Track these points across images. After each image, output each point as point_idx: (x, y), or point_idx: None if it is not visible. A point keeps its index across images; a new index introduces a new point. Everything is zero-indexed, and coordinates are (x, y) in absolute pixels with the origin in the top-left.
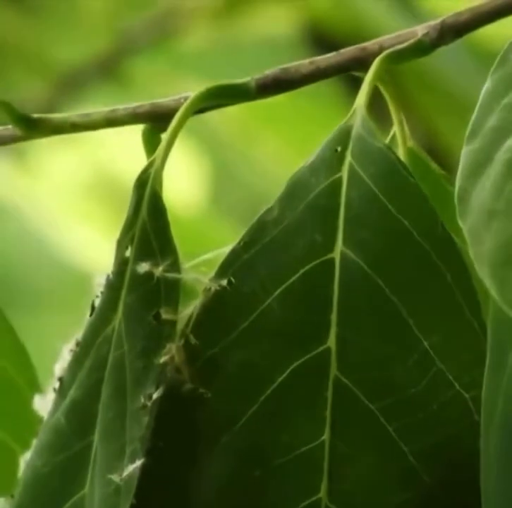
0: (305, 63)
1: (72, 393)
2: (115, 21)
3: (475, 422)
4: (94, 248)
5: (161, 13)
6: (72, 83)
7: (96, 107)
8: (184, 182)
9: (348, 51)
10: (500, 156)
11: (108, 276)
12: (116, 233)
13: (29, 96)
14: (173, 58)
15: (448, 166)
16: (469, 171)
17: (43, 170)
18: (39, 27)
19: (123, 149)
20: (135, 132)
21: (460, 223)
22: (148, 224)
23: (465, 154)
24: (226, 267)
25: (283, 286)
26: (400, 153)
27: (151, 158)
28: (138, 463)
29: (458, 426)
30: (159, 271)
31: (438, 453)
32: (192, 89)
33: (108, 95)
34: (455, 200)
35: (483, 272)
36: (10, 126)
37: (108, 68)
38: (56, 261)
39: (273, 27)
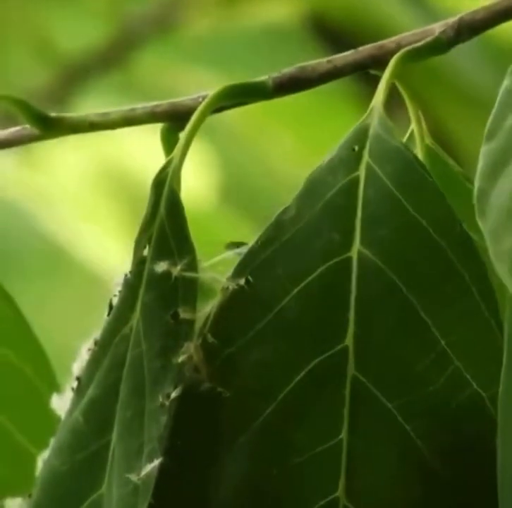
0: (322, 61)
1: (90, 392)
2: (120, 10)
3: (493, 421)
4: (104, 245)
5: (165, 2)
6: (77, 72)
7: (101, 96)
8: (196, 179)
9: (365, 49)
10: None
11: (126, 275)
12: (125, 231)
13: (33, 85)
14: (177, 47)
15: (466, 163)
16: (488, 171)
17: (52, 166)
18: (44, 15)
19: (134, 146)
20: (146, 130)
21: (480, 223)
22: (166, 223)
23: (484, 154)
24: (244, 266)
25: (301, 285)
26: (418, 150)
27: (169, 157)
28: (156, 462)
29: (475, 425)
30: (176, 270)
31: (455, 451)
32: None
33: (113, 84)
34: (474, 200)
35: (503, 272)
36: (27, 126)
37: (113, 57)
38: (66, 258)
39: (277, 15)
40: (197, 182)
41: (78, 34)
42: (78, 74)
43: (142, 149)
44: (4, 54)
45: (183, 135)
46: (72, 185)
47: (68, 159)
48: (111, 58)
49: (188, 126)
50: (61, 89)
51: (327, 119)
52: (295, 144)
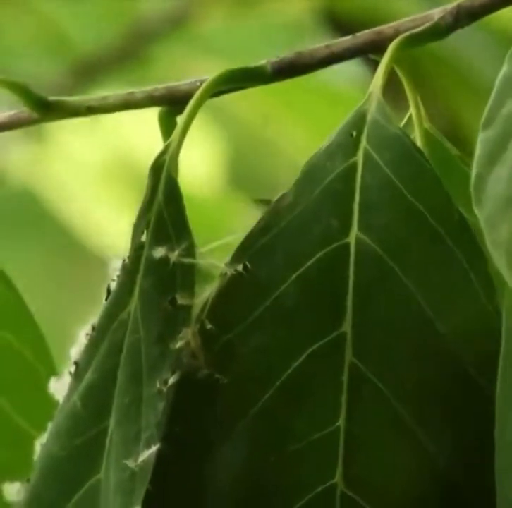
0: (320, 47)
1: (88, 377)
2: (133, 4)
3: (490, 404)
4: (111, 229)
5: None
6: (90, 66)
7: (114, 90)
8: (202, 165)
9: (363, 35)
10: None
11: (124, 260)
12: (132, 215)
13: (46, 78)
14: (192, 42)
15: (466, 148)
16: (485, 159)
17: (62, 152)
18: (58, 11)
19: (141, 131)
20: (153, 114)
21: (476, 211)
22: (164, 208)
23: (481, 142)
24: (242, 252)
25: (299, 271)
26: (417, 135)
27: (167, 142)
28: (154, 448)
29: (472, 409)
30: (174, 256)
31: (453, 438)
32: (209, 73)
33: (127, 78)
34: (471, 188)
35: (499, 261)
36: (25, 109)
37: (127, 52)
38: (75, 243)
39: (291, 10)
40: (204, 168)
41: (92, 29)
42: (92, 69)
43: (151, 134)
44: (19, 49)
45: (180, 120)
46: (81, 170)
47: (77, 144)
48: (125, 53)
49: (186, 110)
50: (75, 85)
51: (335, 104)
52: (302, 130)
